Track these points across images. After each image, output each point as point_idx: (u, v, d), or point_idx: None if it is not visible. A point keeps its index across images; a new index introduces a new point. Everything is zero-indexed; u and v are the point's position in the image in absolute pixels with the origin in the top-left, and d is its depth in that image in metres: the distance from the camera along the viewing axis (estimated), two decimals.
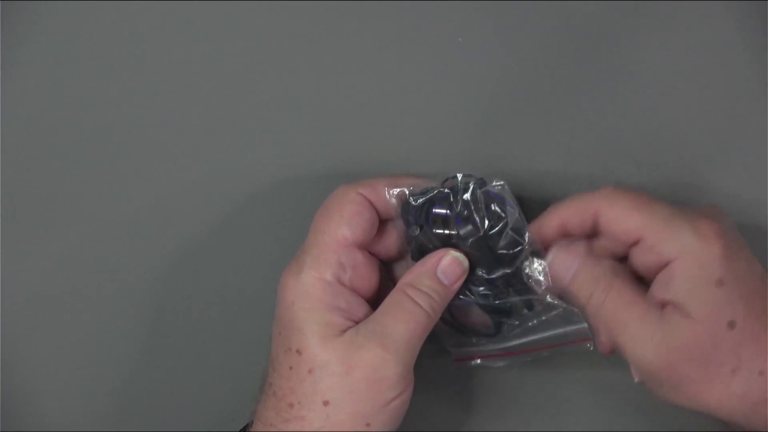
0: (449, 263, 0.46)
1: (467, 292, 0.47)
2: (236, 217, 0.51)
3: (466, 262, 0.46)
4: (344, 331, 0.44)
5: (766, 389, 0.42)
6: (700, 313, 0.43)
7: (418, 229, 0.47)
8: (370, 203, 0.45)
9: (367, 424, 0.43)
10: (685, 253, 0.43)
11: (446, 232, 0.46)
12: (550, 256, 0.46)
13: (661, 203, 0.44)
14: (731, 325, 0.42)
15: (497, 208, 0.46)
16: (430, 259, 0.46)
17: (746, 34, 0.48)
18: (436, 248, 0.46)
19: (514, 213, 0.46)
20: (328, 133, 0.50)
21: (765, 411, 0.43)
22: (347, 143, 0.50)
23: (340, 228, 0.44)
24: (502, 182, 0.46)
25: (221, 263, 0.52)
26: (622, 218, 0.44)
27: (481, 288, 0.47)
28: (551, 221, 0.46)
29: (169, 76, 0.49)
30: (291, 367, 0.44)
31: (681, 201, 0.49)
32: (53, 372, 0.52)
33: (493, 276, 0.47)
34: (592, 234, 0.46)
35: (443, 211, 0.46)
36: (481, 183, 0.46)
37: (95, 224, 0.51)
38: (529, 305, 0.48)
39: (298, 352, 0.43)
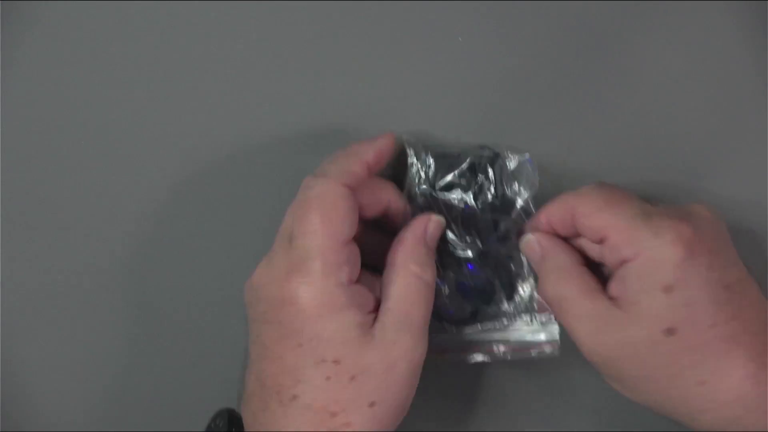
0: (435, 227, 0.46)
1: (454, 265, 0.48)
2: (236, 219, 0.51)
3: (443, 221, 0.47)
4: (371, 327, 0.43)
5: (707, 399, 0.42)
6: (641, 315, 0.43)
7: (430, 189, 0.47)
8: (354, 192, 0.45)
9: (405, 409, 0.44)
10: (640, 254, 0.43)
11: (455, 198, 0.47)
12: (523, 240, 0.47)
13: (632, 202, 0.44)
14: (670, 332, 0.42)
15: (516, 183, 0.47)
16: (418, 227, 0.46)
17: (746, 34, 0.48)
18: (439, 212, 0.47)
19: (532, 191, 0.47)
20: (327, 136, 0.50)
21: (708, 419, 0.42)
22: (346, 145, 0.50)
23: (342, 228, 0.43)
24: (527, 156, 0.47)
25: (221, 264, 0.52)
26: (591, 216, 0.44)
27: (471, 261, 0.48)
28: (539, 220, 0.47)
29: (169, 76, 0.49)
30: (328, 378, 0.43)
31: (681, 200, 0.49)
32: (53, 372, 0.52)
33: (488, 248, 0.47)
34: (578, 232, 0.47)
35: (452, 177, 0.47)
36: (502, 156, 0.47)
37: (95, 224, 0.51)
38: (511, 293, 0.48)
39: (336, 362, 0.43)
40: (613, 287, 0.44)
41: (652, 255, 0.42)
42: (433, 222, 0.46)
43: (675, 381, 0.42)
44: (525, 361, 0.50)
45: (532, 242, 0.47)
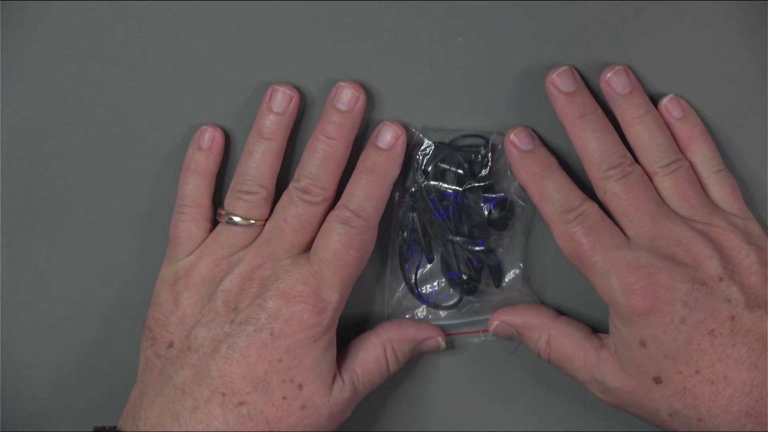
0: (431, 345, 0.50)
1: (448, 247, 0.49)
2: None
3: (443, 346, 0.50)
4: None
5: None
6: (628, 368, 0.45)
7: (423, 176, 0.48)
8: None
9: None
10: (612, 309, 0.45)
11: (448, 184, 0.48)
12: (493, 325, 0.49)
13: (622, 250, 0.45)
14: (657, 380, 0.44)
15: (509, 171, 0.48)
16: (416, 333, 0.49)
17: (746, 34, 0.48)
18: (432, 202, 0.48)
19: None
20: None
21: None
22: None
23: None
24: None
25: None
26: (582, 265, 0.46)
27: (460, 247, 0.49)
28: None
29: (170, 76, 0.49)
30: (285, 398, 0.45)
31: None
32: (53, 372, 0.52)
33: (479, 235, 0.49)
34: None
35: (446, 165, 0.48)
36: (494, 143, 0.48)
37: (96, 224, 0.51)
38: (498, 280, 0.50)
39: (300, 387, 0.45)
40: (604, 336, 0.48)
41: (620, 310, 0.45)
42: (432, 341, 0.50)
43: (675, 418, 0.44)
44: (521, 354, 0.51)
45: (500, 330, 0.50)
